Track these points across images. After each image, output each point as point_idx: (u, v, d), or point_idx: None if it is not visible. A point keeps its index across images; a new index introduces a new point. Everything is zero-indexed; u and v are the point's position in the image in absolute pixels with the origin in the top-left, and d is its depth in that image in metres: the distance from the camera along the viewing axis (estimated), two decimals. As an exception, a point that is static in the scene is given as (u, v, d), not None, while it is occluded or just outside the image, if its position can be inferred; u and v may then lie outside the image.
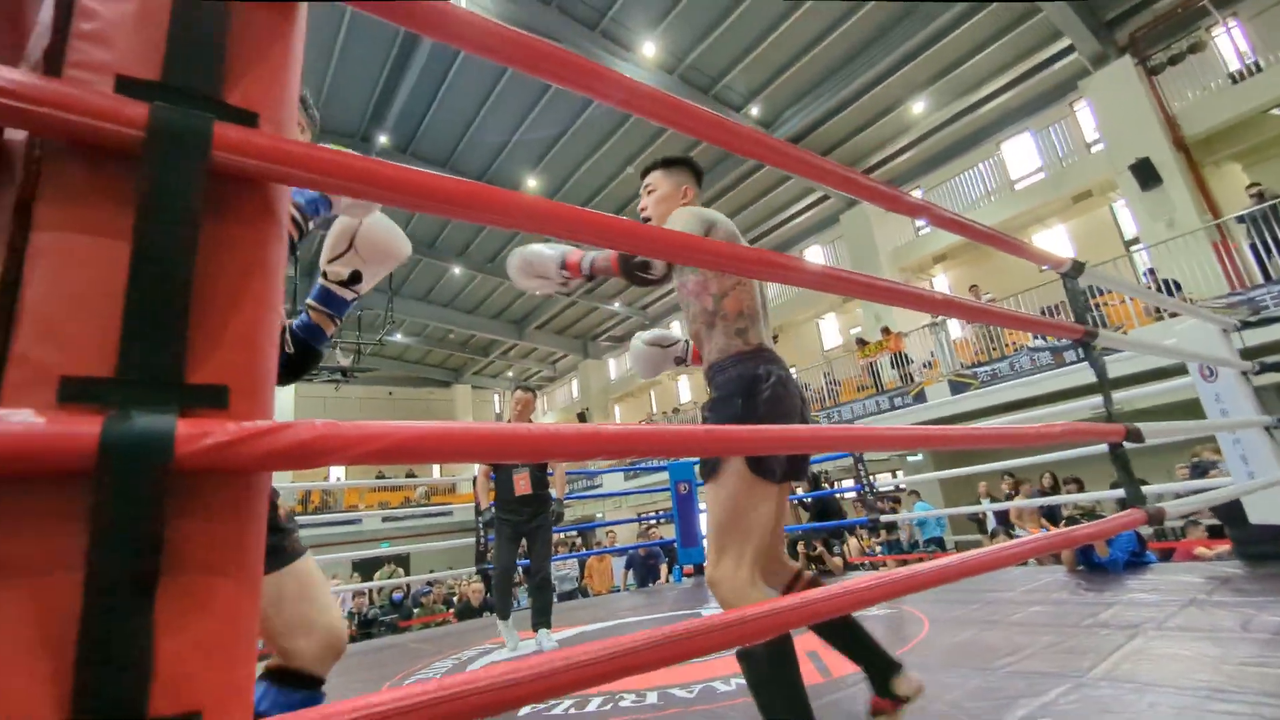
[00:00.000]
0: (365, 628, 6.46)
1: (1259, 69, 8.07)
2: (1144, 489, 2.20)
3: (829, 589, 0.79)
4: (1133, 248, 9.16)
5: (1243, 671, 1.54)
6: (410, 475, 16.72)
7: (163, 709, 0.45)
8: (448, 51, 8.78)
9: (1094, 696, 1.50)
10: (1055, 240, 10.57)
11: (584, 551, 7.96)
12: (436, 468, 18.96)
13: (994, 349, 9.08)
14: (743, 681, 2.03)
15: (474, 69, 9.25)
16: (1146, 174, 8.40)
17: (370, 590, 9.43)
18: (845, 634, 1.51)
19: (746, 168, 11.52)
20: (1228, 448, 2.70)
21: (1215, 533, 4.01)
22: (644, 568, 6.30)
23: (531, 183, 11.96)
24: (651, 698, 1.99)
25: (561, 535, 12.35)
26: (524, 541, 3.39)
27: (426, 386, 20.65)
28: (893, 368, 10.19)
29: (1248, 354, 2.94)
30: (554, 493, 3.59)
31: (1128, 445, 1.67)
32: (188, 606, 0.47)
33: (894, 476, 8.03)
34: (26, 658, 0.43)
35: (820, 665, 2.13)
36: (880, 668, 1.45)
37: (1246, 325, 2.88)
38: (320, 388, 16.37)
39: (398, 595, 8.47)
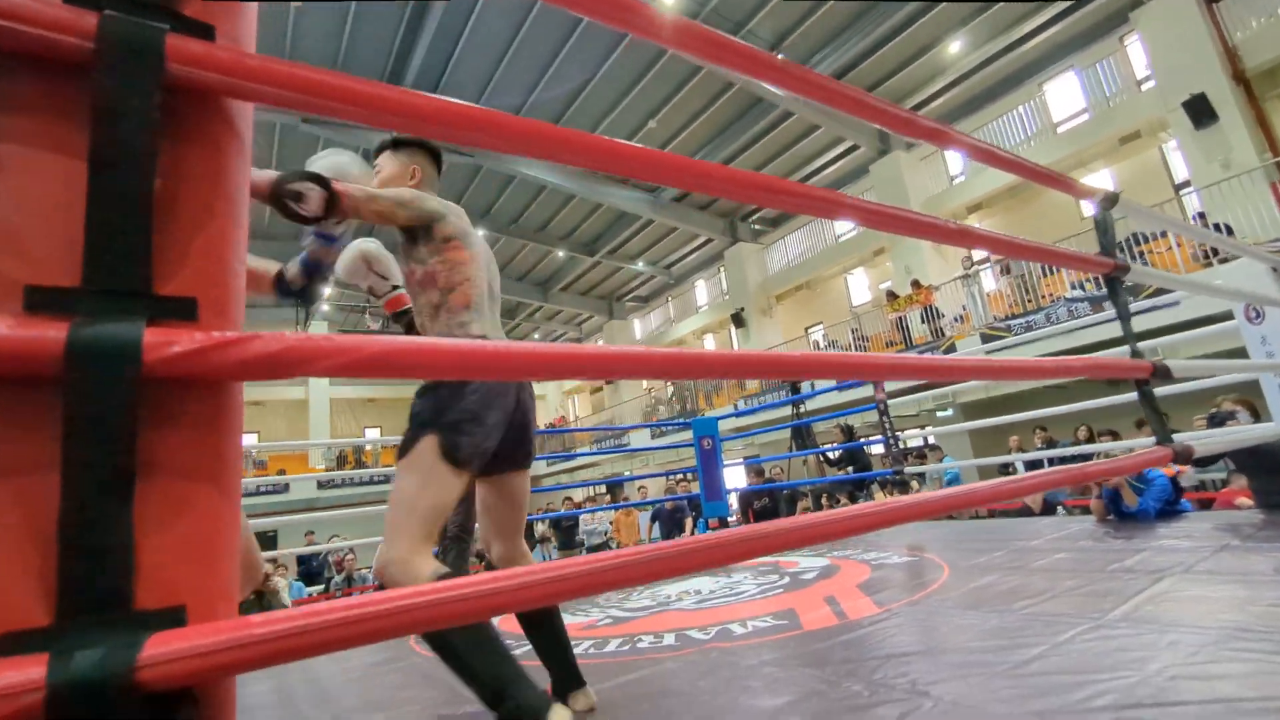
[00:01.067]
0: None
1: (1333, -11, 7.40)
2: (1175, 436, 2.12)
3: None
4: (1183, 191, 8.66)
5: (1271, 612, 1.50)
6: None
7: (147, 602, 0.46)
8: (461, 8, 8.59)
9: (1112, 636, 1.48)
10: (1099, 185, 10.03)
11: (613, 505, 8.12)
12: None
13: (1029, 301, 8.77)
14: (759, 624, 2.07)
15: (488, 27, 9.05)
16: (1201, 111, 7.87)
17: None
18: (546, 633, 1.49)
19: (773, 119, 11.16)
20: (1271, 391, 2.57)
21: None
22: (669, 521, 6.40)
23: (552, 141, 11.78)
24: (669, 639, 2.04)
25: (591, 490, 12.59)
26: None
27: (456, 350, 20.96)
28: (923, 322, 9.94)
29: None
30: None
31: (1157, 385, 1.60)
32: (167, 509, 0.49)
33: (923, 432, 7.91)
34: (14, 553, 0.44)
35: (837, 609, 2.14)
36: (563, 676, 1.46)
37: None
38: (353, 352, 16.76)
39: (435, 549, 8.80)
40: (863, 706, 1.26)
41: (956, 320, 9.83)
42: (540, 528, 10.60)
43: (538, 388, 19.88)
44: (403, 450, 1.27)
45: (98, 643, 0.43)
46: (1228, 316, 3.00)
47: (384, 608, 0.51)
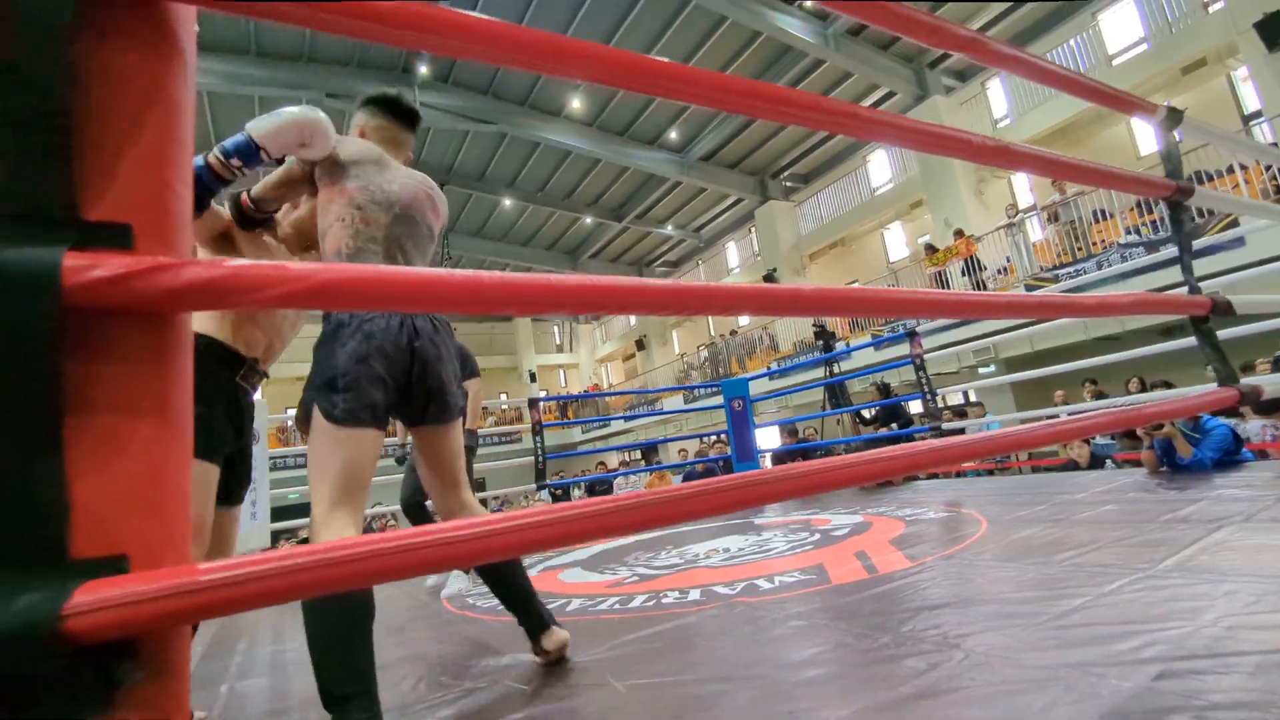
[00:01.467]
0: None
1: None
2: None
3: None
4: (1253, 123, 8.00)
5: (1343, 561, 1.38)
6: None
7: (85, 551, 0.43)
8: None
9: (1163, 586, 1.39)
10: (1147, 129, 9.35)
11: (646, 468, 8.17)
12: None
13: (1079, 249, 8.31)
14: (786, 579, 2.03)
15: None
16: (1276, 30, 7.19)
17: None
18: (503, 584, 1.53)
19: (803, 68, 10.73)
20: (1349, 328, 2.36)
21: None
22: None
23: (575, 104, 11.56)
24: (694, 594, 2.02)
25: (626, 455, 12.70)
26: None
27: (488, 321, 21.20)
28: (964, 275, 9.56)
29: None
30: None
31: (1217, 325, 1.47)
32: (102, 449, 0.45)
33: (964, 387, 7.67)
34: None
35: (868, 564, 2.09)
36: (530, 623, 1.50)
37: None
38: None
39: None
40: (890, 659, 1.21)
41: (1000, 272, 9.42)
42: (576, 492, 10.78)
43: (568, 356, 20.23)
44: (303, 423, 1.35)
45: (24, 593, 0.40)
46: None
47: (336, 555, 0.47)
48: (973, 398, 7.65)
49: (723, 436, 6.45)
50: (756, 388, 7.21)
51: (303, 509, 1.53)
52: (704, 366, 15.75)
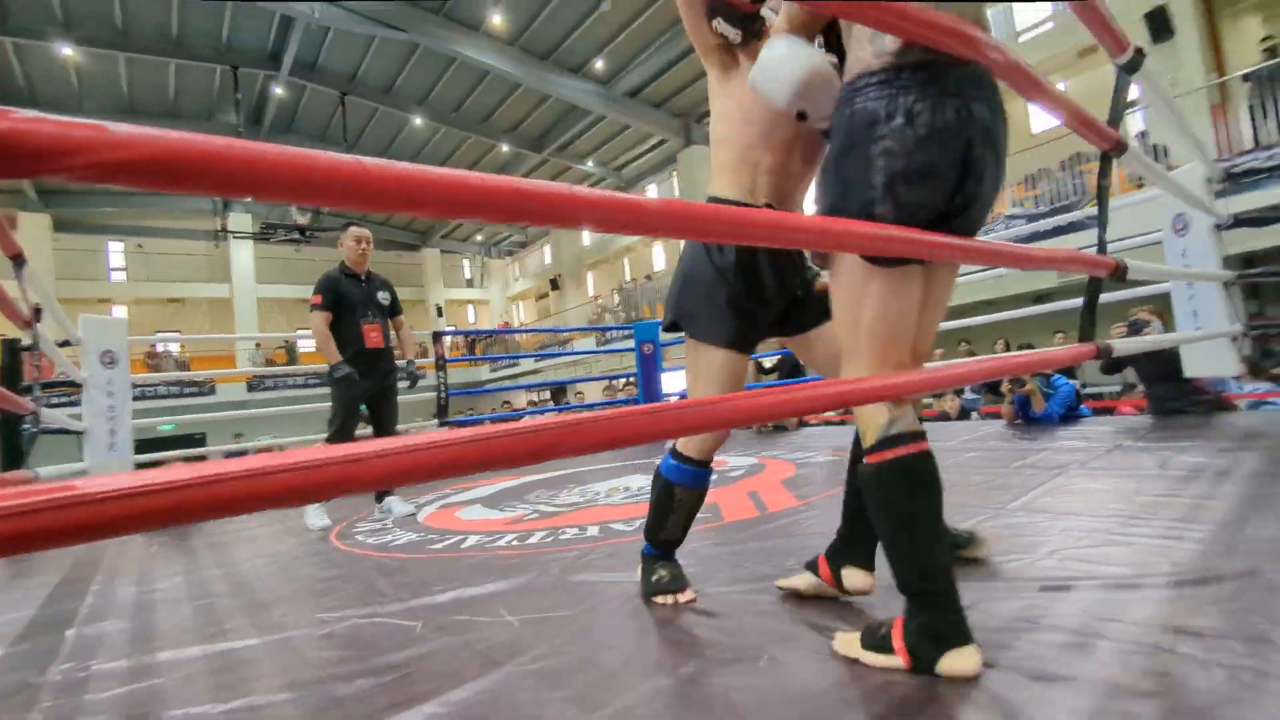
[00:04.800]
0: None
1: (1302, -99, 7.24)
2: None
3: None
4: (1130, 109, 8.72)
5: (1155, 502, 1.60)
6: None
7: None
8: None
9: (1009, 523, 1.56)
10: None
11: (553, 406, 8.17)
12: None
13: (972, 217, 8.89)
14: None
15: None
16: (1161, 25, 7.78)
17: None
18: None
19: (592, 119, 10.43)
20: (1181, 302, 2.69)
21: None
22: (609, 424, 6.48)
23: (496, 19, 10.72)
24: (593, 530, 2.06)
25: (535, 394, 12.62)
26: (365, 409, 3.04)
27: (394, 250, 19.94)
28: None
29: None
30: (401, 357, 3.23)
31: (1106, 288, 1.61)
32: None
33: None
34: None
35: (759, 502, 2.20)
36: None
37: (1228, 178, 2.76)
38: (277, 248, 15.69)
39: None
40: (770, 590, 1.29)
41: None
42: (483, 430, 10.64)
43: (479, 291, 19.51)
44: None
45: None
46: (1154, 233, 3.07)
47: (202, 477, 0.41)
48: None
49: (632, 380, 6.53)
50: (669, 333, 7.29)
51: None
52: (618, 310, 15.75)
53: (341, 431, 2.91)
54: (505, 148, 14.94)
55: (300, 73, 11.90)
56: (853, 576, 1.15)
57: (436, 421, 4.68)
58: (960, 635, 0.85)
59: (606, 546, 1.83)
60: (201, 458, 7.48)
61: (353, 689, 1.04)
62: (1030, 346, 6.17)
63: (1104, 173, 1.53)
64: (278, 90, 12.29)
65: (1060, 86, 10.00)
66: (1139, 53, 1.54)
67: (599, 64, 12.00)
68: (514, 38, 11.30)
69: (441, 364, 4.72)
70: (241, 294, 16.87)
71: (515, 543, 2.02)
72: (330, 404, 2.96)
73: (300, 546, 2.38)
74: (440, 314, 20.09)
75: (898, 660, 0.88)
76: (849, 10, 0.83)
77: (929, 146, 0.87)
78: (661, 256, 17.44)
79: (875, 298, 0.94)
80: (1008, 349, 6.16)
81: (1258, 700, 0.71)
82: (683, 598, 1.28)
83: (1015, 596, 1.10)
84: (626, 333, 6.26)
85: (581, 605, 1.34)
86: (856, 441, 1.09)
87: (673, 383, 7.62)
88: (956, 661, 0.83)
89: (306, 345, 17.20)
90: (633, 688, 0.93)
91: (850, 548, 1.17)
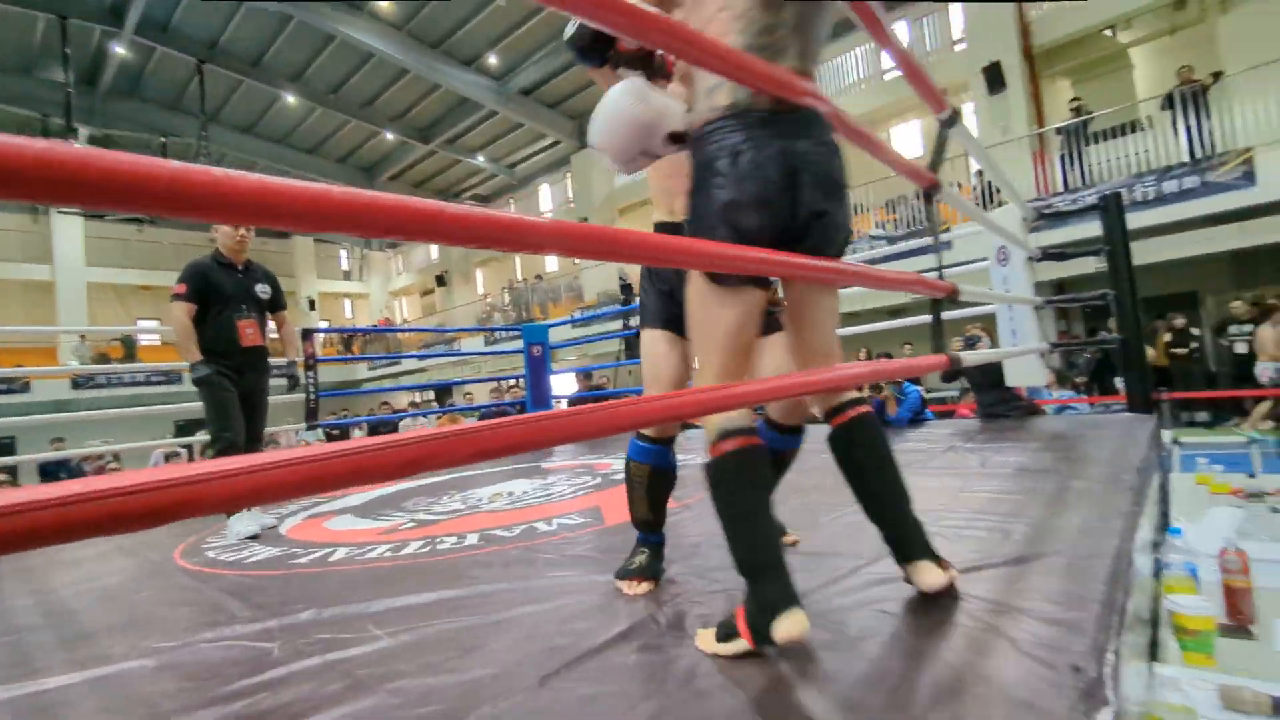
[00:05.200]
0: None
1: (1103, -14, 8.60)
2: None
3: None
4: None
5: (973, 498, 1.85)
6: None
7: None
8: None
9: (853, 522, 1.73)
10: (910, 135, 11.12)
11: (439, 409, 7.86)
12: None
13: (842, 235, 9.67)
14: (566, 521, 2.12)
15: None
16: (996, 78, 8.92)
17: (191, 449, 8.74)
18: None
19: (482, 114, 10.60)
20: (1003, 321, 3.12)
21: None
22: (496, 428, 6.37)
23: (383, 1, 10.15)
24: (472, 539, 2.02)
25: (418, 395, 12.07)
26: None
27: (260, 237, 18.23)
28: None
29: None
30: (286, 357, 3.03)
31: (945, 307, 1.82)
32: None
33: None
34: None
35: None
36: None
37: (1041, 217, 3.23)
38: (117, 227, 13.85)
39: (228, 457, 7.94)
40: (646, 594, 1.35)
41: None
42: (357, 433, 10.01)
43: (358, 285, 18.40)
44: None
45: None
46: (982, 261, 3.53)
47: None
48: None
49: (520, 381, 6.45)
50: (558, 335, 7.29)
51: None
52: (507, 309, 15.45)
53: (226, 441, 2.59)
54: (390, 135, 14.18)
55: (149, 33, 10.56)
56: (926, 572, 1.11)
57: (305, 425, 4.36)
58: (786, 600, 0.95)
59: (486, 555, 1.81)
60: (11, 470, 6.39)
61: (194, 721, 0.97)
62: (888, 356, 6.82)
63: (927, 211, 1.75)
64: (119, 50, 10.83)
65: (916, 124, 11.15)
66: (956, 112, 1.79)
67: (492, 59, 11.74)
68: (402, 22, 10.77)
69: (312, 363, 4.41)
70: (67, 277, 14.66)
71: (388, 554, 1.94)
72: (205, 411, 2.63)
73: (135, 568, 2.13)
74: (313, 307, 18.65)
75: (743, 643, 0.97)
76: (685, 53, 0.89)
77: (753, 181, 1.00)
78: (554, 259, 17.31)
79: (716, 314, 1.08)
80: (869, 357, 6.78)
81: (1003, 658, 0.86)
82: (639, 589, 1.34)
83: (858, 587, 1.24)
84: (516, 334, 6.17)
85: (456, 618, 1.32)
86: (837, 441, 1.25)
87: (562, 385, 7.61)
88: (785, 625, 0.93)
89: (150, 339, 15.29)
90: (505, 698, 0.94)
91: (903, 547, 1.16)
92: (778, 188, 1.01)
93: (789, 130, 1.02)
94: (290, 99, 12.61)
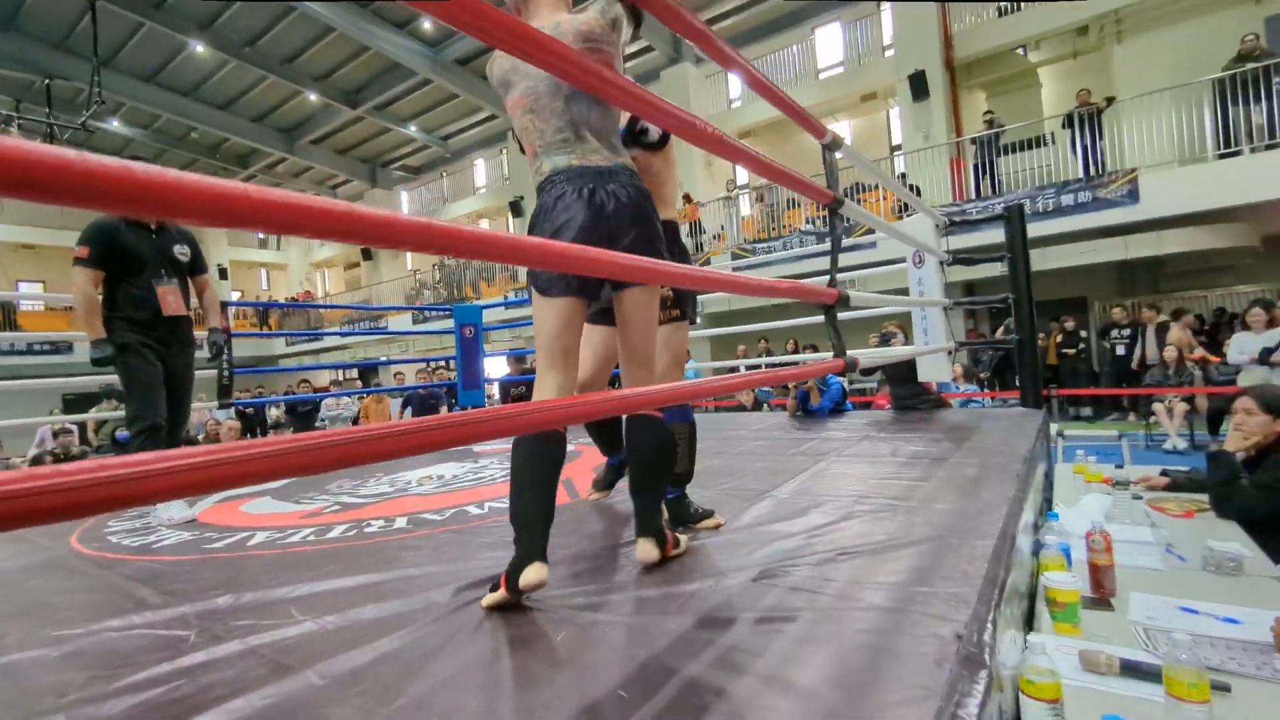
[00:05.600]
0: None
1: (1019, 7, 9.18)
2: (849, 351, 2.65)
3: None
4: (895, 153, 10.40)
5: (884, 484, 1.99)
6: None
7: None
8: None
9: (779, 504, 1.84)
10: (841, 134, 11.53)
11: (362, 389, 7.58)
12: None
13: (774, 228, 9.97)
14: (496, 505, 2.13)
15: None
16: (920, 86, 9.37)
17: (84, 426, 8.05)
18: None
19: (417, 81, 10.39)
20: (917, 321, 3.34)
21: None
22: (422, 407, 6.21)
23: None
24: (401, 523, 2.00)
25: (341, 374, 11.54)
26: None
27: (161, 196, 16.77)
28: (688, 236, 10.70)
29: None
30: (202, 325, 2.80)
31: (839, 310, 1.94)
32: None
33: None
34: None
35: (571, 489, 2.31)
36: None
37: (951, 224, 3.47)
38: (-10, 177, 12.38)
39: (123, 434, 7.35)
40: (572, 574, 1.39)
41: (714, 237, 10.76)
42: (274, 412, 9.49)
43: (274, 254, 17.37)
44: None
45: None
46: (903, 260, 3.75)
47: None
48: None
49: (450, 363, 6.31)
50: (491, 316, 7.15)
51: None
52: (437, 287, 14.98)
53: (149, 423, 2.34)
54: (313, 96, 13.33)
55: (29, -41, 9.43)
56: (641, 548, 1.40)
57: (217, 403, 4.12)
58: (532, 556, 1.20)
59: (415, 539, 1.80)
60: None
61: (104, 710, 0.93)
62: (815, 346, 7.12)
63: (831, 224, 1.87)
64: (-8, -25, 9.61)
65: (845, 124, 11.57)
66: (836, 137, 1.93)
67: (427, 24, 11.23)
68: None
69: (226, 338, 4.15)
70: (-73, 232, 13.02)
71: (312, 538, 1.89)
72: (123, 389, 2.37)
73: (24, 553, 1.98)
74: (225, 277, 17.40)
75: (503, 594, 1.20)
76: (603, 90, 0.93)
77: (565, 216, 1.33)
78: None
79: (542, 319, 1.37)
80: (797, 348, 7.05)
81: (899, 628, 0.97)
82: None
83: (772, 572, 1.33)
84: (447, 313, 6.02)
85: (385, 603, 1.32)
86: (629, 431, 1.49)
87: (494, 368, 7.49)
88: (528, 575, 1.17)
89: (32, 305, 13.86)
90: (431, 675, 0.96)
91: (638, 525, 1.43)
92: (589, 221, 1.33)
93: (595, 181, 1.35)
94: (199, 47, 11.60)
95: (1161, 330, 6.91)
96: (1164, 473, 2.82)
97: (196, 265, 2.66)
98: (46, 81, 11.03)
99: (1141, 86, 7.70)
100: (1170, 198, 6.97)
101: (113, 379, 2.43)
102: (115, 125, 13.80)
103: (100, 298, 2.37)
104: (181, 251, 2.57)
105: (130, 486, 0.45)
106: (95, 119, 11.26)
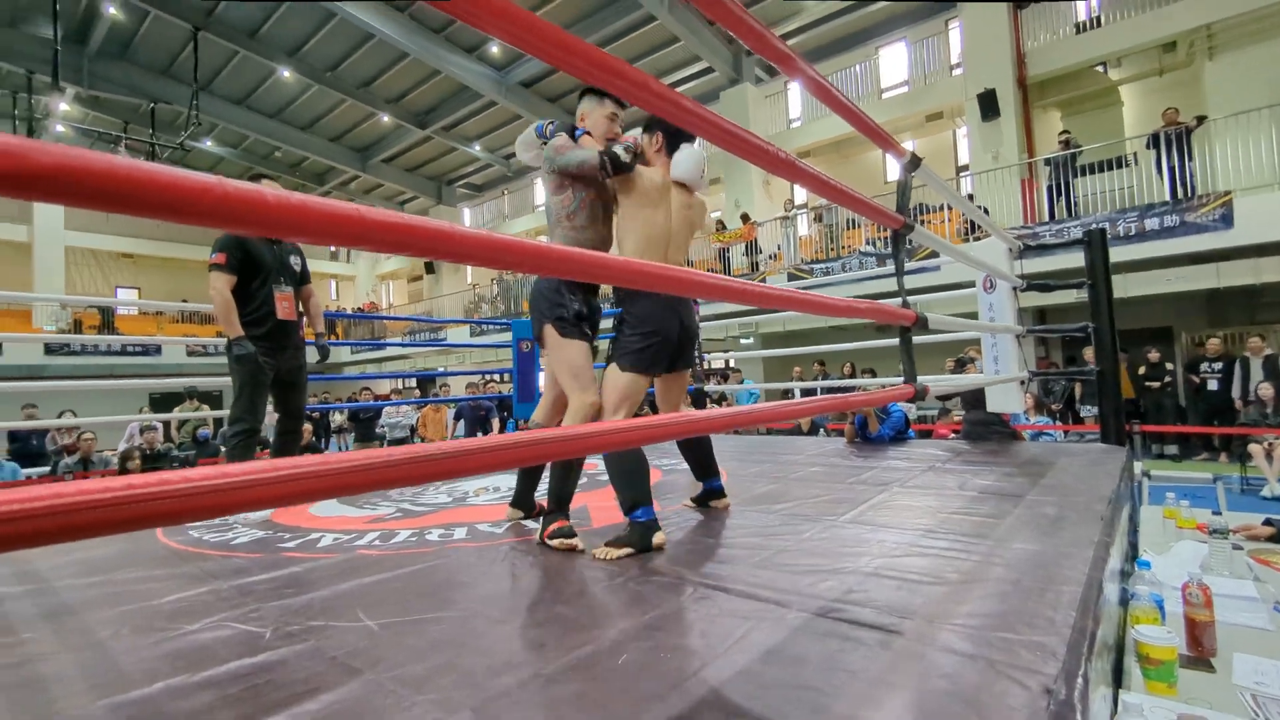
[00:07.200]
0: (153, 463, 5.88)
1: (1099, 24, 8.81)
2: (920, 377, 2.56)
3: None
4: (962, 174, 10.09)
5: (951, 519, 1.90)
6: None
7: None
8: None
9: (840, 534, 1.78)
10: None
11: (420, 399, 7.81)
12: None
13: (832, 249, 9.79)
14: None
15: None
16: (990, 105, 9.09)
17: (168, 424, 8.61)
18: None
19: (634, 19, 10.64)
20: (987, 348, 3.20)
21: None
22: (474, 419, 6.34)
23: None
24: (460, 533, 2.04)
25: (401, 383, 11.98)
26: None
27: (245, 210, 17.92)
28: (744, 255, 10.64)
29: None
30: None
31: (915, 333, 1.87)
32: None
33: (725, 355, 8.67)
34: None
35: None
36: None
37: (1026, 249, 3.32)
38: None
39: (204, 432, 7.80)
40: (632, 595, 1.38)
41: (770, 257, 10.67)
42: (338, 418, 9.89)
43: (344, 266, 18.23)
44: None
45: None
46: (971, 284, 3.61)
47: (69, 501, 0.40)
48: (732, 363, 8.68)
49: (505, 376, 6.44)
50: (546, 331, 7.27)
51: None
52: (495, 301, 15.36)
53: (248, 426, 2.48)
54: (386, 118, 14.05)
55: (143, -5, 10.35)
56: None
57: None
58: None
59: (473, 549, 1.83)
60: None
61: (188, 704, 0.98)
62: (873, 371, 6.92)
63: (896, 247, 1.81)
64: (110, 10, 10.59)
65: (910, 144, 11.32)
66: (915, 156, 1.86)
67: (495, 48, 11.69)
68: (405, 4, 10.68)
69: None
70: (45, 239, 14.29)
71: (378, 543, 1.95)
72: (233, 387, 2.50)
73: (118, 544, 2.11)
74: (296, 287, 18.39)
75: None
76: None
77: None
78: (545, 252, 17.27)
79: (561, 353, 1.90)
80: (854, 373, 6.87)
81: (982, 679, 0.91)
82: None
83: (839, 605, 1.28)
84: (505, 327, 6.16)
85: (444, 610, 1.34)
86: None
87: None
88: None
89: (127, 311, 14.98)
90: (495, 687, 0.97)
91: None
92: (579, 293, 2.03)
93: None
94: (286, 73, 12.43)
95: (1270, 363, 6.39)
96: (1267, 521, 2.58)
97: (305, 274, 2.83)
98: (152, 105, 12.02)
99: (1235, 104, 7.24)
100: (1268, 223, 6.48)
101: (196, 381, 2.56)
102: (209, 145, 14.87)
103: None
104: (296, 261, 2.75)
105: (230, 495, 0.47)
106: (192, 139, 12.19)
